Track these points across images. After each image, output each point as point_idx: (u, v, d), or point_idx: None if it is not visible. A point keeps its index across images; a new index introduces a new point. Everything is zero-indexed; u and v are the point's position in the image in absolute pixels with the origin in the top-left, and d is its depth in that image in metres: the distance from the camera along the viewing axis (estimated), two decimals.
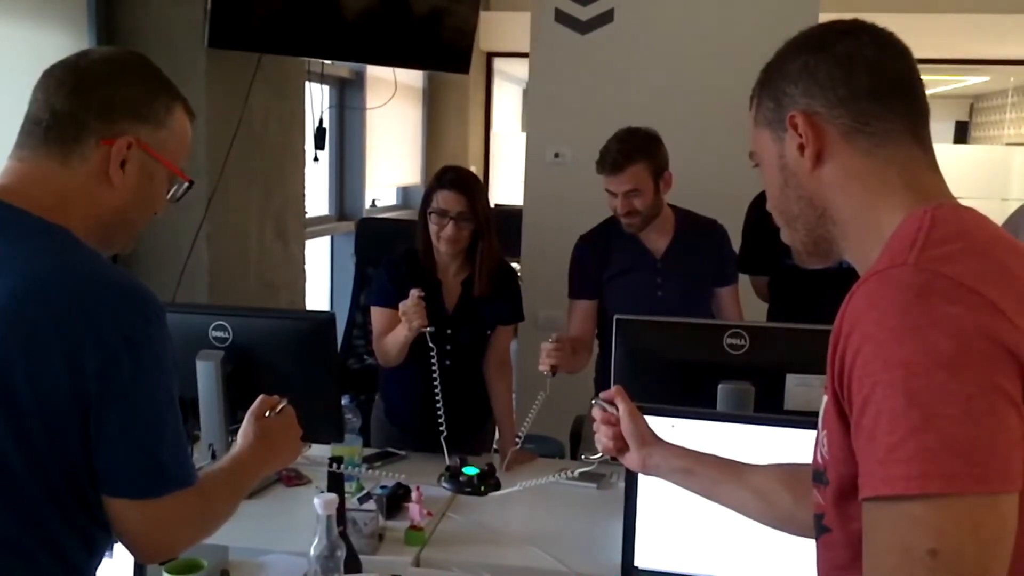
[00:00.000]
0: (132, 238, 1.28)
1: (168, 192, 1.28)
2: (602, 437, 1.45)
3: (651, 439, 1.41)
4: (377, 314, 2.51)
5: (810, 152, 0.99)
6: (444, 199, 2.42)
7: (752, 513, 1.32)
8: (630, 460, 1.43)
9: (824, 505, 0.99)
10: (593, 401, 1.46)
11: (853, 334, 0.86)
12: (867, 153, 0.97)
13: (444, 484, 2.14)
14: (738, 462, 1.35)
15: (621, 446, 1.43)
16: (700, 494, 1.38)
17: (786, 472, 1.29)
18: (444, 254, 2.48)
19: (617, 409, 1.43)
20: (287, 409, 1.50)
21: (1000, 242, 0.92)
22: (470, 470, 2.13)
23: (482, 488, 2.11)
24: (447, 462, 2.22)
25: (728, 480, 1.33)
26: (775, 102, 1.02)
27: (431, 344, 2.32)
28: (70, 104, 1.17)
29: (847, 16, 1.03)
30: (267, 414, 1.47)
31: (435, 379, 2.32)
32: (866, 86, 0.97)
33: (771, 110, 1.03)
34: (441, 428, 2.29)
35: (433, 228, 2.44)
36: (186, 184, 1.29)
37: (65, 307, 1.08)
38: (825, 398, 0.94)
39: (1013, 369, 0.80)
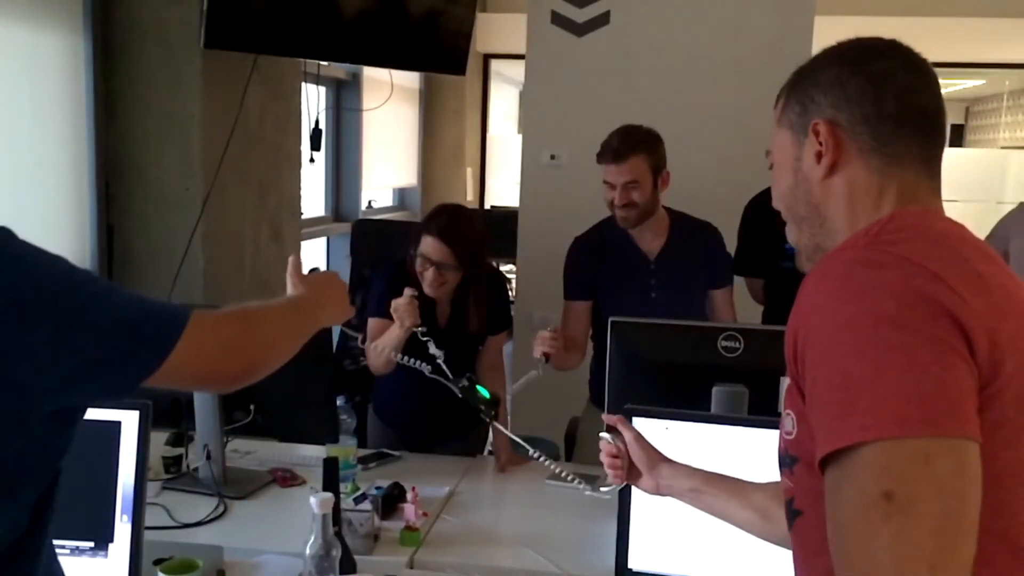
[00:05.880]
0: None
1: None
2: (612, 467, 1.49)
3: (659, 459, 1.46)
4: (372, 324, 2.48)
5: (826, 161, 1.01)
6: (429, 245, 2.36)
7: (755, 531, 1.34)
8: (644, 484, 1.47)
9: (793, 488, 1.00)
10: (600, 435, 1.50)
11: (804, 312, 0.90)
12: (877, 171, 0.99)
13: (460, 393, 2.16)
14: (742, 480, 1.38)
15: (633, 472, 1.47)
16: (709, 513, 1.41)
17: None
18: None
19: (621, 437, 1.47)
20: (324, 271, 1.41)
21: (954, 236, 0.94)
22: (483, 391, 2.15)
23: (492, 413, 2.16)
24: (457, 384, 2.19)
25: (734, 500, 1.36)
26: (801, 106, 1.04)
27: (423, 339, 2.22)
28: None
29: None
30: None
31: (423, 367, 2.22)
32: (892, 110, 0.99)
33: (796, 114, 1.05)
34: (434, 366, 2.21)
35: (418, 268, 2.40)
36: None
37: None
38: (787, 380, 0.96)
39: (955, 331, 0.82)
